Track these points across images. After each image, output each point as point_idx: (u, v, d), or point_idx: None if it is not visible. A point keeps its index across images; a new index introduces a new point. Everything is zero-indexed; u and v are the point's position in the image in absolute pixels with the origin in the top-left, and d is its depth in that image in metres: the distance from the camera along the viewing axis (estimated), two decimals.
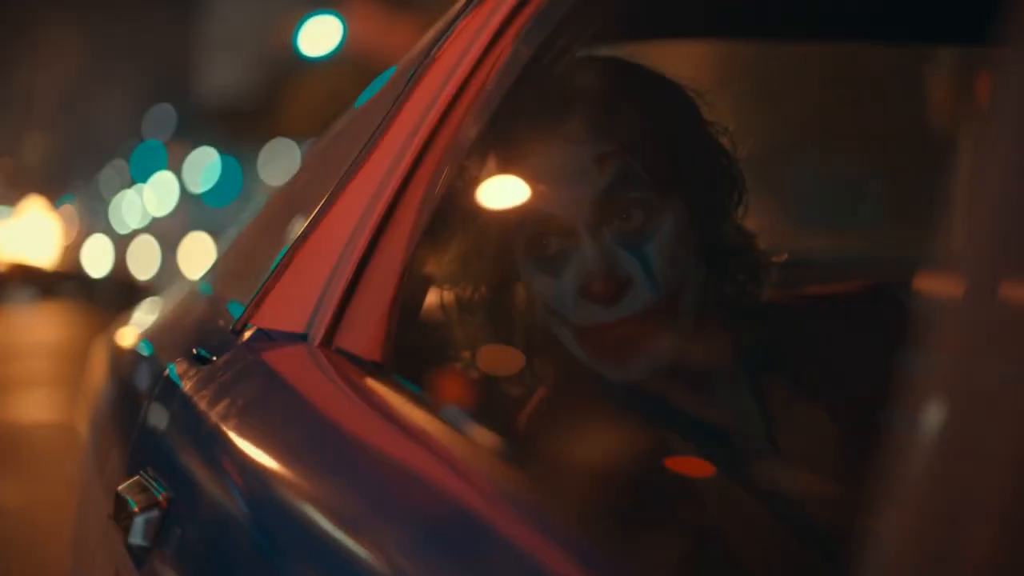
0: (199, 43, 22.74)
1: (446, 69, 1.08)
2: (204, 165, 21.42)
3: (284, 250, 1.17)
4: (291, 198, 1.47)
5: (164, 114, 25.25)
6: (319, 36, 17.77)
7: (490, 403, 1.05)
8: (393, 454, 0.86)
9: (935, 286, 0.41)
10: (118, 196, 25.22)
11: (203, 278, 1.63)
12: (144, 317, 1.77)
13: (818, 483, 0.95)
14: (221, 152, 20.49)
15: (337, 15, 17.70)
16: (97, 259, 23.02)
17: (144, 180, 24.16)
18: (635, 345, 0.93)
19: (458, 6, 1.16)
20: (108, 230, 24.27)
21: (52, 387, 6.60)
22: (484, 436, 0.93)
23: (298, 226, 1.21)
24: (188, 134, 22.92)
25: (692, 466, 0.98)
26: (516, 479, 0.76)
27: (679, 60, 1.10)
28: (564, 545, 0.63)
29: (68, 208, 27.06)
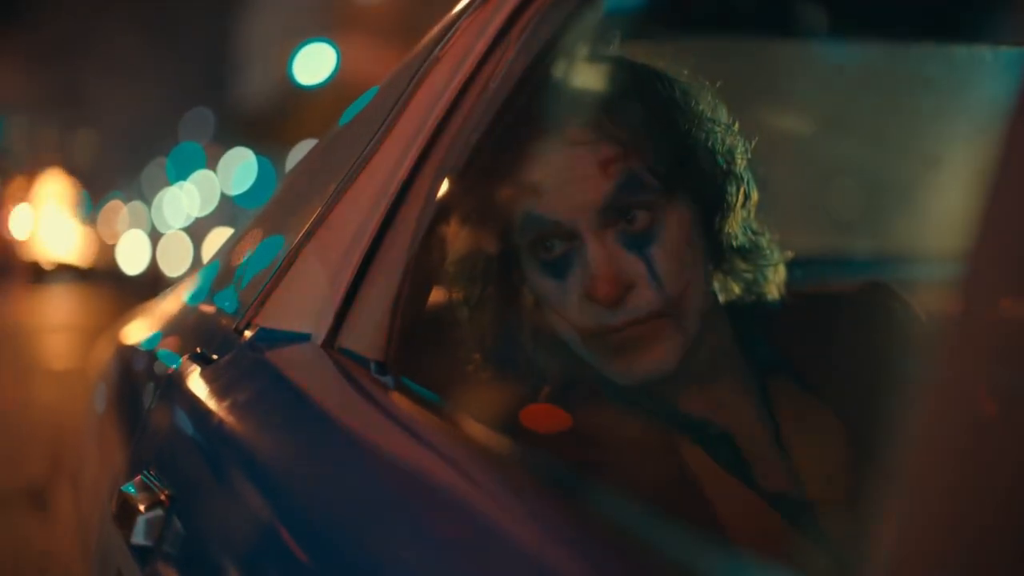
0: (235, 52, 23.81)
1: (450, 69, 1.08)
2: (238, 167, 21.82)
3: (276, 247, 1.17)
4: (295, 197, 1.47)
5: (201, 117, 26.30)
6: (314, 63, 18.73)
7: (495, 402, 1.05)
8: (396, 454, 0.86)
9: (943, 291, 0.40)
10: (160, 194, 25.63)
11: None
12: (148, 316, 1.77)
13: (824, 485, 0.94)
14: (257, 154, 21.16)
15: (330, 42, 18.59)
16: (133, 256, 23.27)
17: (180, 179, 24.97)
18: (640, 348, 0.92)
19: (461, 5, 1.15)
20: (147, 227, 24.68)
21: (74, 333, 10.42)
22: (489, 435, 0.92)
23: (302, 225, 1.21)
24: (222, 137, 23.99)
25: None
26: (520, 478, 0.76)
27: (684, 58, 1.10)
28: (569, 545, 0.63)
29: (114, 205, 27.42)
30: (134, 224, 25.81)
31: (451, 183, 1.01)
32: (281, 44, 20.71)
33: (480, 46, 1.05)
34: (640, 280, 0.91)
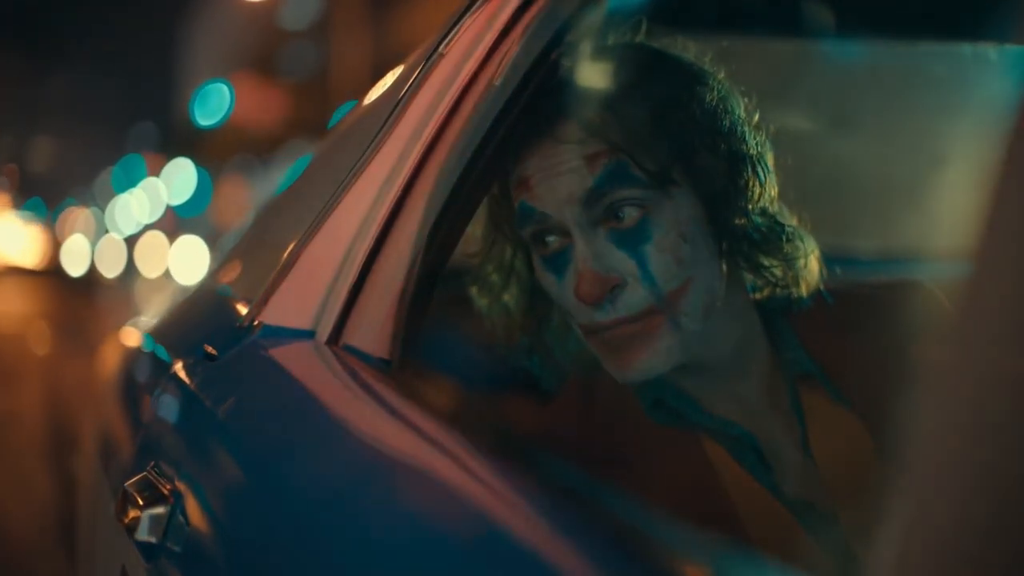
0: (178, 70, 26.79)
1: (453, 65, 1.08)
2: (178, 176, 23.81)
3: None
4: (300, 194, 1.47)
5: (147, 130, 29.87)
6: (212, 102, 21.57)
7: (505, 401, 1.04)
8: (401, 451, 0.85)
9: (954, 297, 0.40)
10: (112, 202, 28.42)
11: (211, 276, 1.63)
12: (152, 316, 1.78)
13: (848, 493, 0.93)
14: (196, 165, 23.51)
15: (226, 83, 21.15)
16: (76, 258, 25.50)
17: (125, 189, 27.87)
18: (633, 346, 0.91)
19: (466, 2, 1.15)
20: (99, 232, 27.28)
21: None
22: (496, 433, 0.92)
23: (306, 222, 1.20)
24: (165, 149, 26.77)
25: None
26: (529, 477, 0.75)
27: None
28: (576, 544, 0.63)
29: (71, 211, 29.37)
30: (84, 229, 28.09)
31: (456, 178, 1.01)
32: (216, 65, 23.25)
33: (484, 43, 1.05)
34: (631, 278, 0.90)
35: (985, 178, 0.39)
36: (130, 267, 22.75)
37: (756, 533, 0.89)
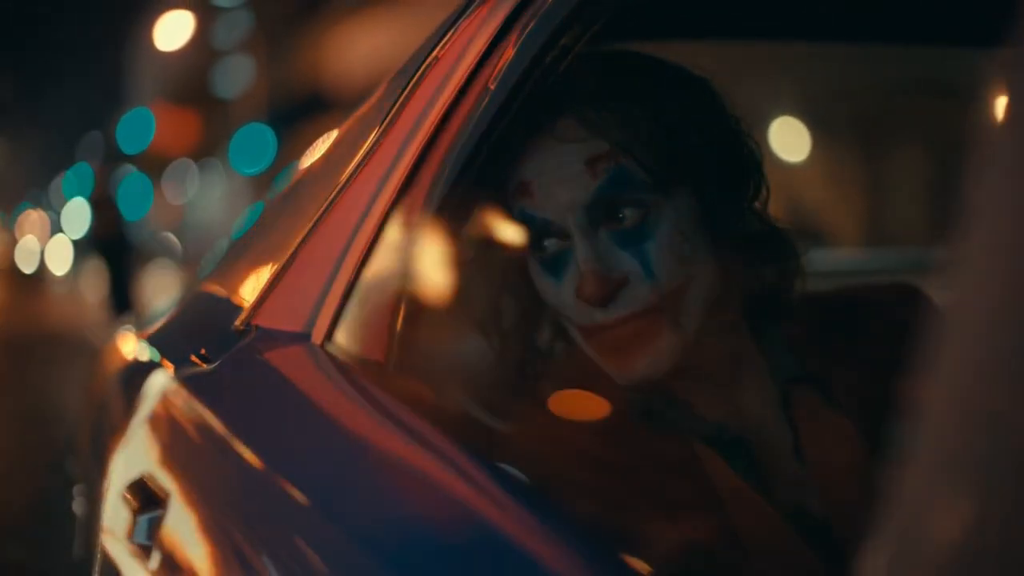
0: (124, 82, 29.43)
1: (448, 68, 1.08)
2: (121, 182, 26.41)
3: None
4: (295, 197, 1.47)
5: (95, 140, 32.42)
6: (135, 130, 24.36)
7: (500, 403, 1.04)
8: (394, 453, 0.85)
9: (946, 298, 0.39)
10: (67, 205, 30.77)
11: (206, 280, 1.63)
12: (147, 320, 1.78)
13: (841, 500, 0.93)
14: (138, 170, 25.98)
15: (147, 110, 24.03)
16: (27, 257, 28.22)
17: (76, 194, 30.03)
18: (635, 345, 0.91)
19: (461, 5, 1.15)
20: (41, 233, 30.26)
21: None
22: (488, 435, 0.92)
23: (300, 225, 1.21)
24: (111, 157, 29.00)
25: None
26: (520, 479, 0.75)
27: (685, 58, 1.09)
28: (568, 544, 0.63)
29: (26, 214, 31.81)
30: (37, 231, 30.95)
31: (451, 182, 1.01)
32: (149, 85, 26.00)
33: (479, 45, 1.05)
34: (633, 277, 0.91)
35: (977, 182, 0.39)
36: (77, 264, 25.60)
37: (749, 538, 0.89)
